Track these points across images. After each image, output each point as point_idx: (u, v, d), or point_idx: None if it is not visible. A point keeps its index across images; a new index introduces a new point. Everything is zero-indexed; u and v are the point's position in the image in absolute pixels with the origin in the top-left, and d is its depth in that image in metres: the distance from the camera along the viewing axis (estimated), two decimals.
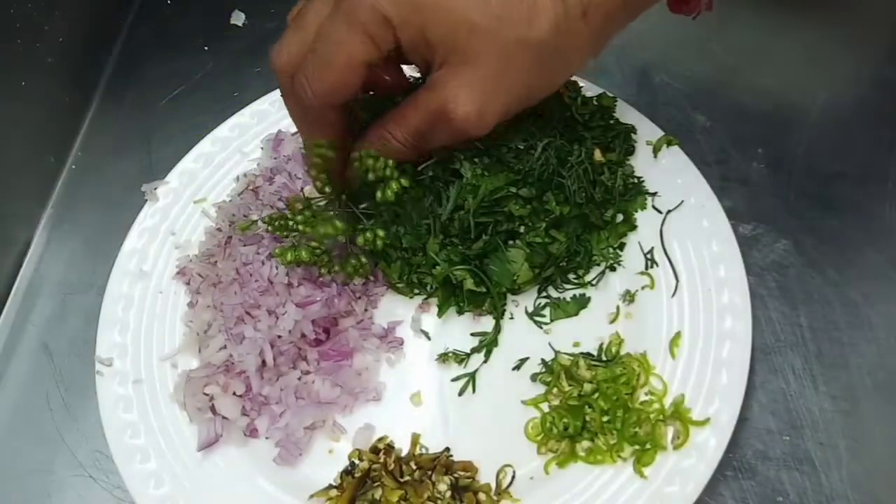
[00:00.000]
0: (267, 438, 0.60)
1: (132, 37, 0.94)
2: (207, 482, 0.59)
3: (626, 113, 0.72)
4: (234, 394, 0.61)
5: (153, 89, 0.88)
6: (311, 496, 0.57)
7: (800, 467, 0.59)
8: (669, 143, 0.70)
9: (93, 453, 0.64)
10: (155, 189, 0.73)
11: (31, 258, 0.77)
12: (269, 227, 0.63)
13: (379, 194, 0.59)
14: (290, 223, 0.63)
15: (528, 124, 0.67)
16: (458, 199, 0.64)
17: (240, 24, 0.92)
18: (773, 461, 0.59)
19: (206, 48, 0.91)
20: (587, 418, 0.58)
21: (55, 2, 0.80)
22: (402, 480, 0.56)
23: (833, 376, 0.63)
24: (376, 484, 0.56)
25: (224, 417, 0.60)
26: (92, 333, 0.67)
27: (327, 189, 0.62)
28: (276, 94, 0.78)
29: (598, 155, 0.67)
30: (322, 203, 0.64)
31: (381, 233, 0.62)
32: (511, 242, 0.65)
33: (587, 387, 0.60)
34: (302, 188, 0.70)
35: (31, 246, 0.78)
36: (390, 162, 0.58)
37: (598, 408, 0.58)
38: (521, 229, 0.64)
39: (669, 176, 0.69)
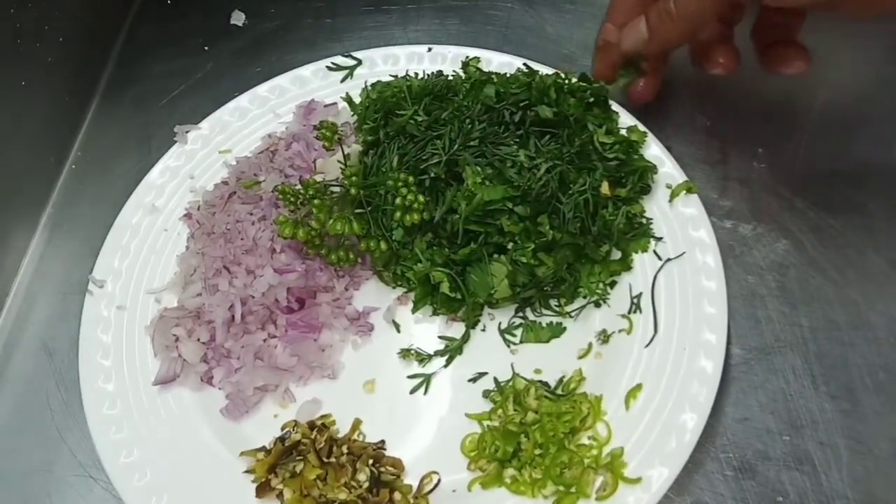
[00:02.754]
0: (220, 389, 0.63)
1: (132, 37, 0.93)
2: (156, 415, 0.62)
3: (654, 151, 0.70)
4: (199, 340, 0.63)
5: (153, 89, 0.87)
6: (242, 453, 0.59)
7: (800, 467, 0.59)
8: (689, 191, 0.67)
9: (93, 453, 0.62)
10: (186, 132, 0.76)
11: (31, 258, 0.76)
12: (280, 196, 0.65)
13: (398, 214, 0.62)
14: (300, 199, 0.64)
15: (540, 142, 0.66)
16: (452, 202, 0.64)
17: (240, 24, 0.92)
18: (773, 461, 0.59)
19: (206, 48, 0.90)
20: (522, 447, 0.58)
21: (55, 2, 0.79)
22: (326, 461, 0.58)
23: (833, 376, 0.62)
24: (300, 458, 0.57)
25: (185, 360, 0.63)
26: None
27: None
28: (319, 63, 0.80)
29: (605, 188, 0.65)
30: (337, 189, 0.66)
31: (383, 245, 0.64)
32: (497, 256, 0.64)
33: (530, 416, 0.59)
34: (315, 160, 0.71)
35: (31, 246, 0.77)
36: (420, 197, 0.62)
37: (533, 439, 0.57)
38: (510, 246, 0.64)
39: (680, 224, 0.66)
